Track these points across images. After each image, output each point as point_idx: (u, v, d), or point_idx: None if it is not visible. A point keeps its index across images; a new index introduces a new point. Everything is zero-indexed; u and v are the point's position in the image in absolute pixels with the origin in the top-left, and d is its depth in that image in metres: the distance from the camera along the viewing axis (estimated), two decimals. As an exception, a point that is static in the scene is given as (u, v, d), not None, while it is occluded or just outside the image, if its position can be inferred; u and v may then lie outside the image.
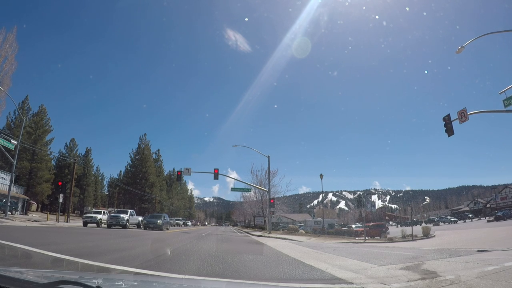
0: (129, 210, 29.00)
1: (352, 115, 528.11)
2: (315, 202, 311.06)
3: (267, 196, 34.18)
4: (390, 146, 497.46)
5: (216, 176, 30.77)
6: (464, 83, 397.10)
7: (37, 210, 47.91)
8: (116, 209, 34.53)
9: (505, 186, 71.12)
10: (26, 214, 39.58)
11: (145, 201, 63.55)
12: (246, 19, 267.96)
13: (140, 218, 30.60)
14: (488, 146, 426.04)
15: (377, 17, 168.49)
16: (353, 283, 5.26)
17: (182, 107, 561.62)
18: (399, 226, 49.22)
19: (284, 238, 21.92)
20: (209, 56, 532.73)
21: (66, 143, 59.63)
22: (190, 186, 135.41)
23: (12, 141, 26.51)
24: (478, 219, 59.43)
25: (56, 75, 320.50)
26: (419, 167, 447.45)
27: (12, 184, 27.85)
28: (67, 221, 30.82)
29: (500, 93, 13.77)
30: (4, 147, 25.14)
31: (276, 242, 17.35)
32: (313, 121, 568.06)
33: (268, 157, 33.75)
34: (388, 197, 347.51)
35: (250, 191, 45.80)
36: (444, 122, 15.52)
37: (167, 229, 28.97)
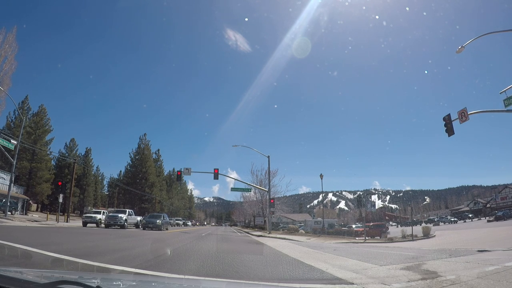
0: (127, 210, 28.48)
1: (352, 115, 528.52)
2: (315, 202, 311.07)
3: (267, 196, 34.17)
4: (390, 146, 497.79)
5: (216, 176, 30.76)
6: (464, 83, 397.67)
7: (37, 210, 47.91)
8: (114, 209, 34.15)
9: (505, 186, 71.12)
10: (26, 214, 39.58)
11: (145, 201, 63.54)
12: (246, 19, 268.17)
13: (139, 218, 30.26)
14: (488, 146, 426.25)
15: (377, 17, 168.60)
16: (353, 283, 5.25)
17: (182, 107, 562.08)
18: (399, 226, 49.22)
19: (284, 238, 21.92)
20: (209, 56, 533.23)
21: (66, 143, 59.69)
22: (190, 186, 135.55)
23: (12, 141, 26.49)
24: (478, 219, 59.42)
25: (56, 75, 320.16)
26: (419, 167, 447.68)
27: (12, 184, 27.84)
28: (67, 221, 30.81)
29: (500, 93, 13.77)
30: (4, 147, 25.12)
31: (276, 242, 17.34)
32: (313, 121, 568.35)
33: (268, 157, 33.76)
34: (388, 197, 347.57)
35: (250, 191, 45.80)
36: (444, 122, 15.52)
37: (167, 229, 28.79)
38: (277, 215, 54.87)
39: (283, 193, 47.31)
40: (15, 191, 37.44)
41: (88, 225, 25.76)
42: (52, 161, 54.20)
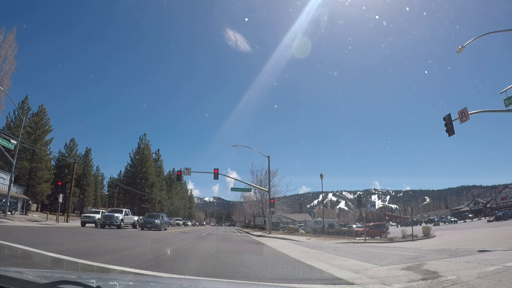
0: (124, 209, 27.57)
1: (352, 115, 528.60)
2: (315, 202, 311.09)
3: (267, 196, 34.17)
4: (390, 146, 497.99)
5: (216, 176, 30.74)
6: (464, 83, 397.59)
7: (36, 210, 47.90)
8: (109, 209, 33.77)
9: (505, 186, 71.11)
10: (25, 214, 39.56)
11: (145, 201, 63.53)
12: (246, 19, 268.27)
13: (136, 218, 29.58)
14: (488, 146, 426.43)
15: (377, 17, 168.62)
16: (354, 283, 5.24)
17: (182, 107, 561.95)
18: (399, 226, 49.26)
19: (284, 238, 21.91)
20: (209, 56, 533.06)
21: (66, 143, 59.68)
22: (190, 186, 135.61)
23: (11, 141, 26.49)
24: (478, 219, 59.42)
25: (56, 75, 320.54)
26: (419, 167, 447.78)
27: (12, 184, 27.83)
28: (66, 221, 30.80)
29: (501, 93, 13.77)
30: (4, 147, 25.11)
31: (276, 242, 17.34)
32: (313, 121, 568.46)
33: (268, 157, 33.76)
34: (388, 197, 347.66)
35: (250, 191, 45.82)
36: (444, 122, 15.51)
37: (165, 229, 28.48)
38: (277, 215, 54.87)
39: (283, 193, 47.37)
40: (15, 191, 37.44)
41: (87, 225, 25.57)
42: (52, 161, 54.26)
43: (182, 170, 31.23)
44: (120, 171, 72.28)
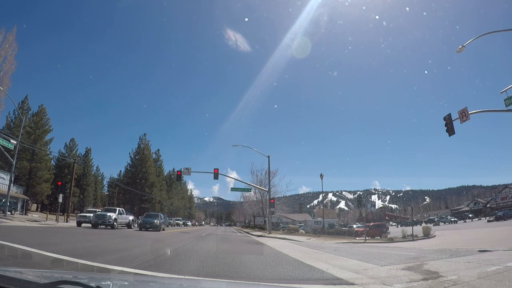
0: (117, 209, 25.97)
1: (352, 115, 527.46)
2: (315, 202, 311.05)
3: (267, 196, 34.17)
4: (390, 146, 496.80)
5: (216, 176, 30.74)
6: (464, 83, 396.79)
7: (36, 210, 47.91)
8: (106, 207, 32.54)
9: (505, 186, 71.10)
10: (25, 214, 39.56)
11: (145, 201, 63.53)
12: (246, 19, 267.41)
13: (131, 218, 28.06)
14: (488, 146, 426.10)
15: (377, 17, 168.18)
16: (354, 284, 5.23)
17: (182, 107, 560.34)
18: (399, 226, 49.23)
19: (284, 238, 21.91)
20: (209, 56, 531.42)
21: (66, 143, 59.67)
22: (190, 186, 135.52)
23: (11, 141, 26.47)
24: (478, 219, 59.42)
25: (56, 75, 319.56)
26: (419, 167, 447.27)
27: (12, 184, 27.80)
28: (66, 221, 30.79)
29: (501, 93, 13.77)
30: (3, 147, 25.10)
31: (276, 242, 17.33)
32: (313, 121, 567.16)
33: (268, 157, 33.76)
34: (388, 197, 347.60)
35: (250, 191, 45.81)
36: (445, 122, 15.51)
37: (163, 229, 27.87)
38: (277, 215, 54.87)
39: (283, 193, 47.36)
40: (14, 191, 37.43)
41: (83, 225, 24.62)
42: (52, 161, 54.22)
43: (182, 170, 31.24)
44: (120, 171, 72.36)
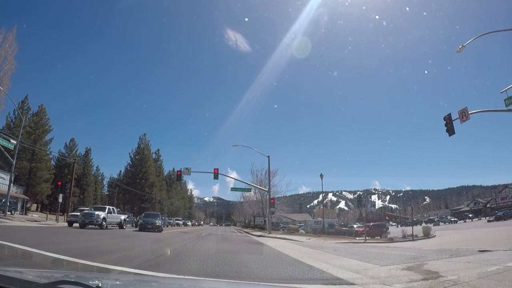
0: (107, 207, 24.29)
1: (352, 115, 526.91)
2: (315, 202, 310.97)
3: (267, 196, 34.17)
4: (390, 146, 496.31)
5: (216, 176, 30.74)
6: (464, 83, 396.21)
7: (36, 210, 47.87)
8: (95, 206, 30.36)
9: (505, 186, 71.12)
10: (25, 214, 39.55)
11: (145, 201, 63.55)
12: (246, 19, 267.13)
13: (123, 217, 26.29)
14: (488, 146, 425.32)
15: (377, 17, 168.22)
16: (354, 284, 5.23)
17: (182, 107, 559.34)
18: (399, 226, 49.21)
19: (284, 238, 21.91)
20: (209, 56, 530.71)
21: (66, 143, 59.59)
22: (190, 186, 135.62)
23: (11, 140, 26.48)
24: (478, 219, 59.43)
25: (56, 75, 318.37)
26: (419, 167, 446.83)
27: (12, 184, 27.81)
28: (66, 221, 30.78)
29: (501, 92, 13.77)
30: (3, 147, 25.10)
31: (276, 242, 17.33)
32: (313, 121, 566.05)
33: (268, 157, 33.77)
34: (388, 197, 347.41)
35: (250, 191, 45.84)
36: (445, 122, 15.51)
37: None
38: (277, 215, 54.87)
39: (283, 193, 47.34)
40: (14, 191, 37.43)
41: (74, 224, 23.32)
42: (52, 161, 54.17)
43: (182, 170, 31.24)
44: (120, 171, 72.36)
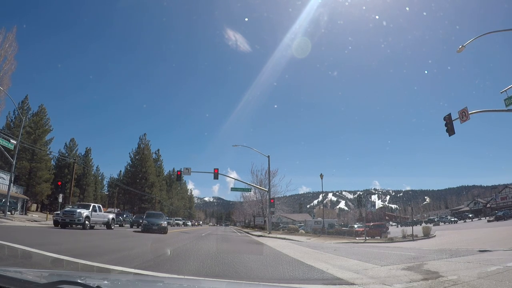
0: (92, 204, 22.09)
1: (352, 115, 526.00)
2: (315, 202, 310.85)
3: (267, 196, 34.15)
4: (390, 146, 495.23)
5: (216, 176, 30.73)
6: (464, 83, 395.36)
7: (36, 210, 47.85)
8: (79, 203, 27.73)
9: (505, 186, 71.10)
10: (25, 214, 39.53)
11: (145, 201, 63.55)
12: (246, 19, 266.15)
13: (111, 216, 24.26)
14: (488, 146, 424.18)
15: (377, 17, 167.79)
16: (354, 284, 5.23)
17: (182, 107, 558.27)
18: (399, 226, 49.25)
19: (284, 238, 21.90)
20: (209, 56, 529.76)
21: (66, 143, 59.51)
22: (190, 186, 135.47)
23: (11, 140, 26.47)
24: (478, 219, 59.43)
25: (56, 75, 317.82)
26: (419, 167, 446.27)
27: (12, 184, 27.79)
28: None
29: (501, 92, 13.77)
30: (3, 147, 25.10)
31: (276, 242, 17.33)
32: (313, 121, 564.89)
33: (268, 157, 33.75)
34: (388, 197, 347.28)
35: (250, 191, 45.80)
36: (445, 122, 15.50)
37: None
38: (277, 215, 54.87)
39: (283, 193, 47.30)
40: (14, 191, 37.42)
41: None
42: (52, 161, 54.11)
43: (182, 170, 31.23)
44: (120, 171, 72.35)
